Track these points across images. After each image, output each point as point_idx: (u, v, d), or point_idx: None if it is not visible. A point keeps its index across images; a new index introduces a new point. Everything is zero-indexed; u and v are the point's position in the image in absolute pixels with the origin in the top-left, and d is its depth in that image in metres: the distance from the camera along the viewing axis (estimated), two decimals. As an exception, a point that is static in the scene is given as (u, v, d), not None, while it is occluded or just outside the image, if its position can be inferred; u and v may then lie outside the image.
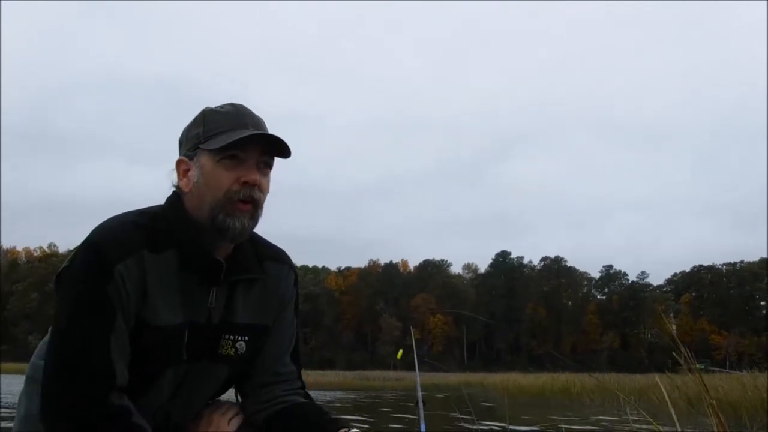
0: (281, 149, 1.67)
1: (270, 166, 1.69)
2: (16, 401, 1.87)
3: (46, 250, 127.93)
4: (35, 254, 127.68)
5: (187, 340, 1.66)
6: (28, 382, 1.80)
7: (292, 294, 1.88)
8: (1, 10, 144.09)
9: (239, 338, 1.74)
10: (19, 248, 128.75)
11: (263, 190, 1.67)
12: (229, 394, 1.88)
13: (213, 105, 1.72)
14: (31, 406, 1.71)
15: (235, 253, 1.73)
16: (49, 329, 1.79)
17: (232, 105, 1.71)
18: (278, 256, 1.87)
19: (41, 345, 1.82)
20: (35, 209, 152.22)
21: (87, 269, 1.56)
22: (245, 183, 1.62)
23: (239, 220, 1.62)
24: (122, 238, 1.59)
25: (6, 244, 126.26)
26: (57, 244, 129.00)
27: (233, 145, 1.62)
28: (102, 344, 1.53)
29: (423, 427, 3.29)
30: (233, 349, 1.74)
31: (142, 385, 1.63)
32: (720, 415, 1.98)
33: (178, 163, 1.73)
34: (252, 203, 1.64)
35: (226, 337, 1.73)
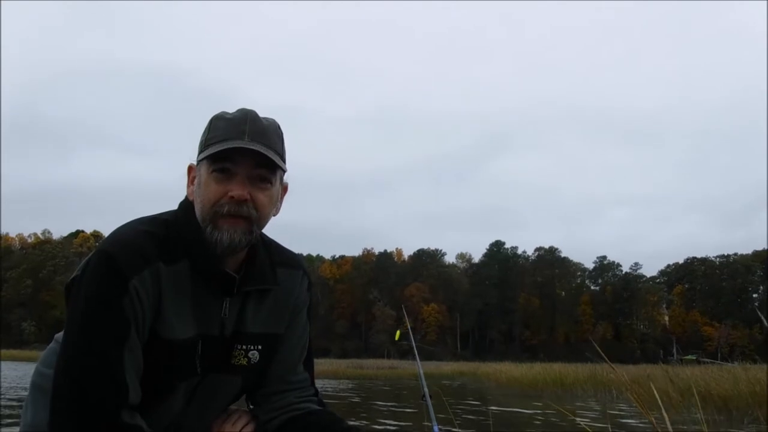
0: (272, 163, 1.61)
1: (268, 179, 1.63)
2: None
3: (40, 236, 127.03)
4: (29, 241, 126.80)
5: (201, 353, 1.63)
6: (34, 389, 1.77)
7: (305, 300, 1.85)
8: (1, 8, 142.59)
9: (252, 347, 1.72)
10: (13, 235, 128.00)
11: (259, 206, 1.61)
12: (241, 402, 1.86)
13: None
14: (37, 415, 1.70)
15: (248, 262, 1.70)
16: (55, 336, 1.77)
17: (241, 111, 1.64)
18: (292, 261, 1.84)
19: (47, 352, 1.79)
20: (28, 196, 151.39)
21: (101, 282, 1.52)
22: (231, 198, 1.58)
23: (227, 234, 1.58)
24: (137, 250, 1.55)
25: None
26: (51, 231, 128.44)
27: (219, 157, 1.58)
28: (115, 360, 1.49)
29: (436, 428, 3.25)
30: (246, 358, 1.72)
31: (155, 398, 1.60)
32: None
33: (189, 169, 1.70)
34: (243, 218, 1.59)
35: (239, 347, 1.71)
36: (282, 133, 1.68)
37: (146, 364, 1.55)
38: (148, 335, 1.56)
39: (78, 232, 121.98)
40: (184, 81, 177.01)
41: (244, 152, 1.57)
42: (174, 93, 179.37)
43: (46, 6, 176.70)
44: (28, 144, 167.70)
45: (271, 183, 1.64)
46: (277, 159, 1.61)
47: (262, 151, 1.57)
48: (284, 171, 1.69)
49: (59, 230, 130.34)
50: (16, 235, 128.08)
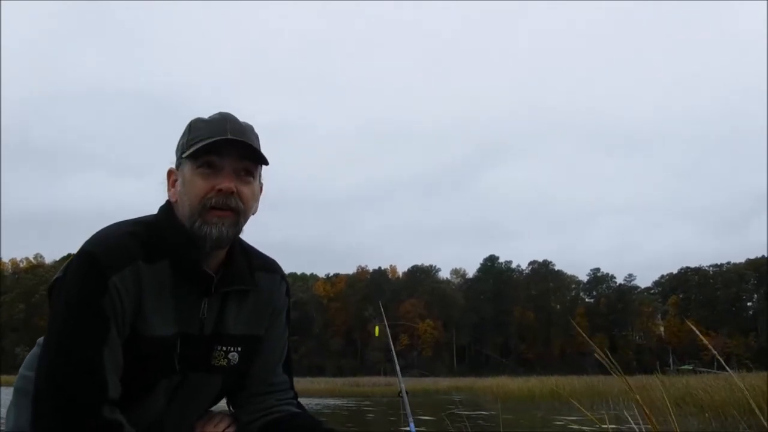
0: (256, 155, 1.66)
1: (252, 174, 1.68)
2: (3, 412, 1.86)
3: (33, 261, 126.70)
4: (21, 265, 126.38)
5: (180, 351, 1.65)
6: (17, 393, 1.78)
7: (283, 303, 1.88)
8: (1, 12, 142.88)
9: (232, 349, 1.74)
10: (5, 259, 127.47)
11: (244, 199, 1.65)
12: (222, 405, 1.87)
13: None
14: (20, 418, 1.70)
15: (227, 264, 1.72)
16: (37, 341, 1.77)
17: (220, 113, 1.69)
18: (270, 265, 1.87)
19: (30, 356, 1.80)
20: (20, 220, 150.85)
21: (82, 280, 1.55)
22: (219, 191, 1.61)
23: (216, 228, 1.61)
24: (118, 248, 1.58)
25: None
26: (43, 255, 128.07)
27: (205, 151, 1.62)
28: (95, 357, 1.50)
29: (412, 427, 3.28)
30: (226, 360, 1.73)
31: (135, 397, 1.62)
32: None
33: (169, 173, 1.74)
34: (231, 211, 1.63)
35: (219, 348, 1.72)
36: (257, 135, 1.73)
37: (126, 361, 1.57)
38: (128, 332, 1.57)
39: (70, 256, 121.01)
40: (177, 99, 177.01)
41: (231, 143, 1.62)
42: (165, 114, 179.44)
43: (36, 27, 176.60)
44: (18, 167, 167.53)
45: (254, 177, 1.69)
46: (260, 152, 1.66)
47: (247, 142, 1.63)
48: (264, 166, 1.73)
49: (51, 254, 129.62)
50: (9, 260, 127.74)
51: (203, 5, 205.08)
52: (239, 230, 1.68)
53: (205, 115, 1.71)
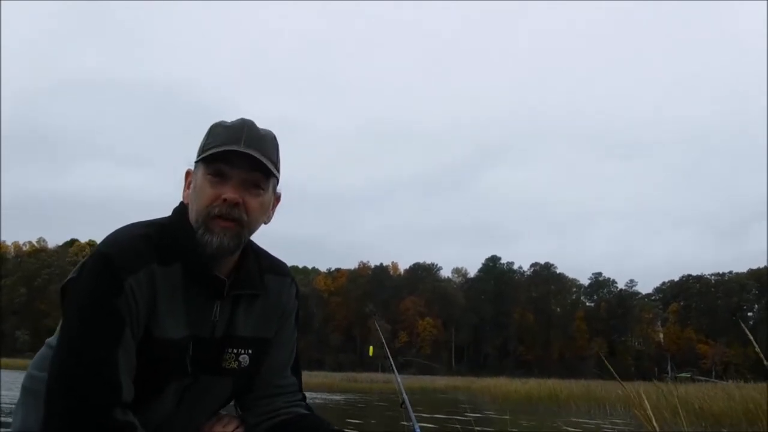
0: (266, 168, 1.65)
1: (261, 186, 1.67)
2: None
3: (35, 244, 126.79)
4: (24, 249, 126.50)
5: (192, 354, 1.66)
6: (25, 392, 1.78)
7: (293, 306, 1.89)
8: (1, 12, 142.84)
9: (242, 351, 1.75)
10: (8, 242, 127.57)
11: (250, 210, 1.65)
12: (230, 407, 1.88)
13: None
14: (28, 418, 1.71)
15: (238, 267, 1.73)
16: (47, 341, 1.78)
17: (240, 120, 1.68)
18: (280, 268, 1.88)
19: (38, 356, 1.81)
20: (24, 204, 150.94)
21: (97, 281, 1.55)
22: (224, 200, 1.61)
23: (217, 237, 1.61)
24: (133, 250, 1.58)
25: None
26: (46, 239, 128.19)
27: (213, 159, 1.62)
28: (109, 358, 1.51)
29: (417, 428, 3.31)
30: (236, 362, 1.75)
31: (146, 398, 1.62)
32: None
33: (186, 174, 1.75)
34: (234, 222, 1.63)
35: (230, 350, 1.73)
36: (278, 144, 1.72)
37: (138, 363, 1.57)
38: (142, 334, 1.58)
39: (73, 241, 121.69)
40: (179, 94, 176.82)
41: (239, 155, 1.61)
42: (169, 105, 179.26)
43: (40, 17, 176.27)
44: (24, 153, 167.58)
45: (264, 189, 1.68)
46: (270, 165, 1.65)
47: (256, 156, 1.62)
48: (277, 179, 1.73)
49: (54, 239, 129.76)
50: (12, 243, 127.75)
51: (203, 5, 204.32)
52: (242, 241, 1.67)
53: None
